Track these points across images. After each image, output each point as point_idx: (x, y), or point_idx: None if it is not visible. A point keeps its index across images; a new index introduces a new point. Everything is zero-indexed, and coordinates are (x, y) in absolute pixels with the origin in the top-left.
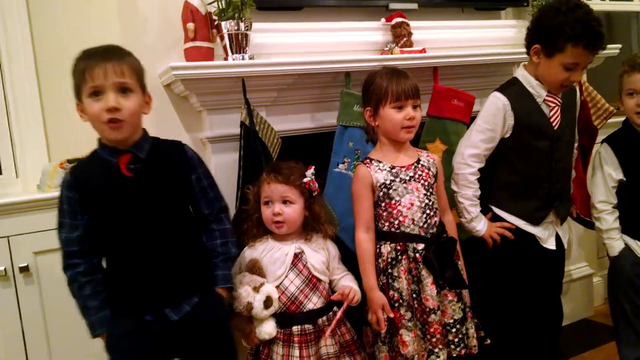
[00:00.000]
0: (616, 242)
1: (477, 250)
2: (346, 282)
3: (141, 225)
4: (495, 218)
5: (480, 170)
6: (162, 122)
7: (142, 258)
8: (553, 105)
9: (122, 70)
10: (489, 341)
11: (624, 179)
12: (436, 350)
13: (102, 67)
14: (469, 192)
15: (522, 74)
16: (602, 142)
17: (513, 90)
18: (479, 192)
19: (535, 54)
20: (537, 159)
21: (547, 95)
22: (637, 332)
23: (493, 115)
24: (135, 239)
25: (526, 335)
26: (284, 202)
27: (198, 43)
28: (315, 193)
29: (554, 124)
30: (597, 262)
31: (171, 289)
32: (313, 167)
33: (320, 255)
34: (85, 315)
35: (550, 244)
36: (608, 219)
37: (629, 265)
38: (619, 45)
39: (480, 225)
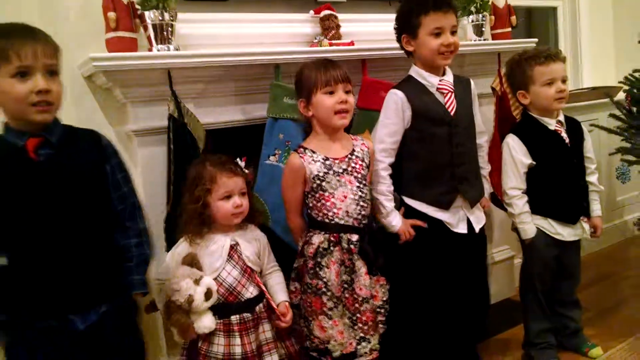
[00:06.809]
0: (528, 226)
1: (393, 241)
2: (279, 290)
3: (48, 217)
4: (408, 210)
5: (392, 165)
6: (84, 116)
7: (47, 255)
8: (446, 91)
9: (51, 52)
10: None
11: (534, 163)
12: (367, 337)
13: (32, 47)
14: (382, 187)
15: (414, 70)
16: (509, 133)
17: (408, 84)
18: (392, 187)
19: (407, 43)
20: (437, 145)
21: (438, 84)
22: (542, 307)
23: (393, 110)
24: (40, 233)
25: (449, 322)
26: (241, 194)
27: (120, 33)
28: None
29: (450, 111)
30: (517, 244)
31: (78, 293)
32: (246, 158)
33: (253, 246)
34: None
35: (461, 229)
36: (519, 203)
37: (543, 246)
38: (536, 40)
39: (395, 220)
